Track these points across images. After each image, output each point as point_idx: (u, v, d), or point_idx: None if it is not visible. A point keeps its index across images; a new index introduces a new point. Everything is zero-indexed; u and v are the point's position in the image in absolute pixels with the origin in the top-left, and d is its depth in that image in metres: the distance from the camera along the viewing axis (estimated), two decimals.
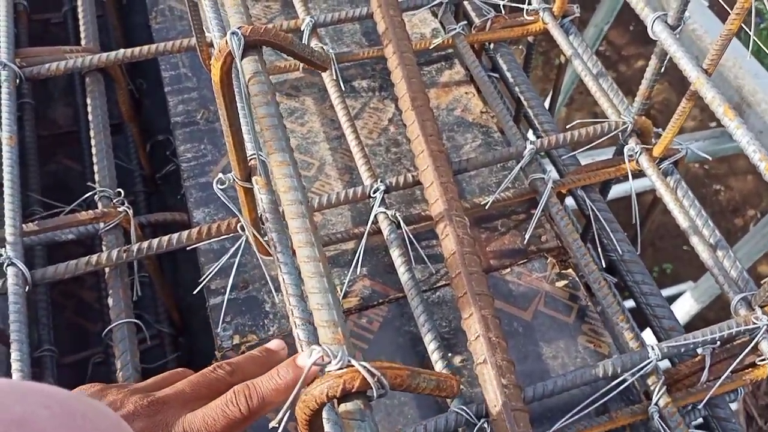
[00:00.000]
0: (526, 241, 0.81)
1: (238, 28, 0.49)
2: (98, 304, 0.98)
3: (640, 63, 3.48)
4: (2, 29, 0.86)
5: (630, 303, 0.88)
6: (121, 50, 0.87)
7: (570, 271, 0.79)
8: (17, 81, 0.83)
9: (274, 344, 0.56)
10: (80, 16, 0.95)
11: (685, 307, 2.13)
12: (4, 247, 0.70)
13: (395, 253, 0.73)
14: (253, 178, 0.60)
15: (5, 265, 0.69)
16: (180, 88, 0.94)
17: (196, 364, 0.56)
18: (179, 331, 1.00)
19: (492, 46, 0.98)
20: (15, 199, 0.74)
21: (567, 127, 0.83)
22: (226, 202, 0.65)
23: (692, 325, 2.21)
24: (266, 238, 0.68)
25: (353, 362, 0.39)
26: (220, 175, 0.62)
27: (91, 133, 0.85)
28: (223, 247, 0.77)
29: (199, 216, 0.82)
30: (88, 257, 0.72)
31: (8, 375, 0.65)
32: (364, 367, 0.38)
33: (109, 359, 0.93)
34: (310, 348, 0.41)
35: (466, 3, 1.01)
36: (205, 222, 0.81)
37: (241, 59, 0.49)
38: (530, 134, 0.98)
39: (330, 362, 0.39)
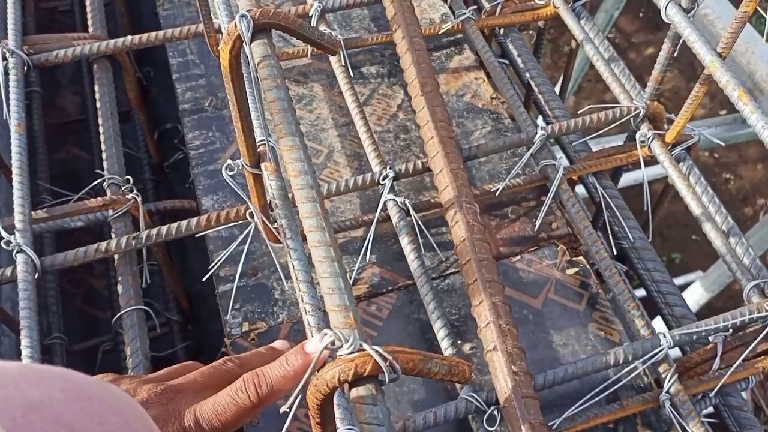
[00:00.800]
0: (536, 228, 0.80)
1: (248, 11, 0.48)
2: (107, 292, 0.99)
3: (650, 50, 3.45)
4: (10, 17, 0.86)
5: (640, 291, 0.87)
6: (129, 37, 0.87)
7: (581, 258, 0.79)
8: (25, 68, 0.83)
9: (279, 344, 0.56)
10: (87, 3, 0.95)
11: (694, 296, 2.13)
12: (14, 234, 0.70)
13: (404, 241, 0.73)
14: (262, 164, 0.60)
15: (15, 252, 0.69)
16: (188, 75, 0.94)
17: (205, 352, 0.56)
18: (188, 318, 1.00)
19: (502, 31, 0.97)
20: (24, 187, 0.74)
21: (578, 112, 0.82)
22: (235, 189, 0.64)
23: (701, 314, 2.19)
24: (275, 225, 0.68)
25: (365, 346, 0.38)
26: (229, 161, 0.61)
27: (100, 121, 0.85)
28: (232, 234, 0.77)
29: (207, 203, 0.82)
30: (97, 244, 0.72)
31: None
32: (376, 351, 0.38)
33: (118, 347, 0.93)
34: (321, 332, 0.41)
35: None
36: (214, 209, 0.81)
37: (251, 43, 0.48)
38: (540, 120, 0.97)
39: (341, 346, 0.39)
